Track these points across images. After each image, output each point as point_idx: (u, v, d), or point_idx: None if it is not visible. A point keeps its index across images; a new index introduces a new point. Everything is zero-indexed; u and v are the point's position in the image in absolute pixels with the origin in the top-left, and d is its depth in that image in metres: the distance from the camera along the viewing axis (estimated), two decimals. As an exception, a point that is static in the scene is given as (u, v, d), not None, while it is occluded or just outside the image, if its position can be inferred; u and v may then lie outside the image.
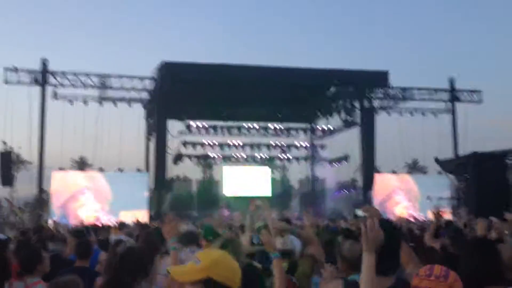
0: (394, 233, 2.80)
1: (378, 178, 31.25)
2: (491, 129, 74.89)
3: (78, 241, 5.47)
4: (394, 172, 33.42)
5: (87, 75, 28.93)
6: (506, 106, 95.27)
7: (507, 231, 5.42)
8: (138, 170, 30.32)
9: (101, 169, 29.55)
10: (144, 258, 3.07)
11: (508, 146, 18.51)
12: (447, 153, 31.35)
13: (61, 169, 29.25)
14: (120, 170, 29.53)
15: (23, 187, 31.43)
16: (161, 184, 29.16)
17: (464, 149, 29.75)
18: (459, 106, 33.87)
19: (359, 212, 4.07)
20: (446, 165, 19.69)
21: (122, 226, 11.12)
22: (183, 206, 33.97)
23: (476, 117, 33.08)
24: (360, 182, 33.66)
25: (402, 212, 30.42)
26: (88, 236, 6.52)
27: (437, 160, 19.21)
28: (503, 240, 4.83)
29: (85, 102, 29.64)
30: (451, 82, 34.05)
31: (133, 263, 3.05)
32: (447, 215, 23.56)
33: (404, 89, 32.83)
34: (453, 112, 33.86)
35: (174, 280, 2.03)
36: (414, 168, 45.02)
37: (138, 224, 11.93)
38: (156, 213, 28.20)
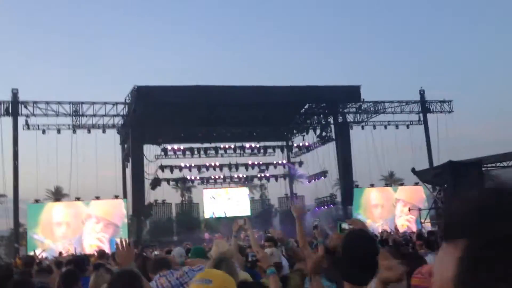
0: (373, 244, 2.94)
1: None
2: (463, 137, 76.23)
3: (62, 272, 5.36)
4: (372, 185, 33.75)
5: (59, 103, 28.63)
6: (477, 114, 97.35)
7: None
8: (116, 197, 29.93)
9: (77, 199, 29.11)
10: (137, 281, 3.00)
11: (482, 153, 18.91)
12: (423, 163, 31.83)
13: (36, 201, 28.71)
14: (97, 198, 29.15)
15: (-2, 221, 30.73)
16: (140, 210, 28.82)
17: (439, 159, 30.31)
18: (430, 116, 34.56)
19: (345, 225, 4.14)
20: (423, 176, 19.94)
21: (102, 254, 10.90)
22: (163, 231, 33.52)
23: (448, 127, 33.58)
24: (339, 197, 33.88)
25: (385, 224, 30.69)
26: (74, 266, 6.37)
27: (413, 171, 19.45)
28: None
29: (58, 130, 29.24)
30: (421, 93, 34.76)
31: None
32: (429, 225, 23.88)
33: (376, 103, 33.37)
34: (424, 122, 34.49)
35: None
36: (390, 180, 45.44)
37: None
38: (136, 240, 27.80)
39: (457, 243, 0.69)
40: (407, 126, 34.54)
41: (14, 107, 27.83)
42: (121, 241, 3.43)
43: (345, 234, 3.35)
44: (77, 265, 6.13)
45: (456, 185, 15.06)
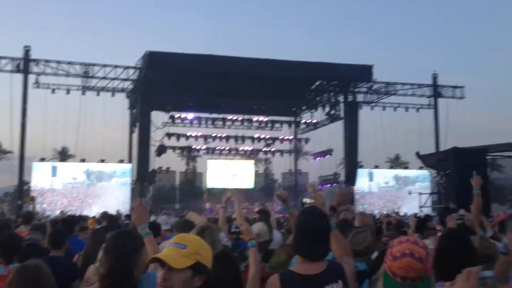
0: (323, 219, 2.97)
1: None
2: (473, 124, 75.75)
3: (51, 231, 5.43)
4: (376, 167, 33.71)
5: (70, 63, 28.58)
6: (488, 102, 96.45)
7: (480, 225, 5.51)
8: (121, 161, 30.14)
9: (83, 160, 29.35)
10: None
11: (489, 141, 18.76)
12: (429, 148, 31.70)
13: (42, 159, 28.98)
14: (102, 161, 29.37)
15: (3, 177, 31.15)
16: (144, 176, 28.99)
17: (446, 145, 30.14)
18: (441, 101, 34.22)
19: (306, 200, 4.21)
20: (427, 160, 19.84)
21: (103, 216, 11.00)
22: (166, 198, 33.84)
23: (458, 113, 33.28)
24: (342, 176, 33.90)
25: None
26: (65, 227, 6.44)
27: (418, 155, 19.34)
28: (475, 232, 4.93)
29: (67, 91, 29.25)
30: (434, 78, 34.35)
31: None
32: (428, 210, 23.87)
33: (387, 84, 33.04)
34: (435, 107, 34.17)
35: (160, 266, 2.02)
36: (396, 163, 45.36)
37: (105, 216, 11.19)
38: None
39: None
40: (417, 110, 34.24)
41: (25, 65, 27.83)
42: (138, 201, 3.51)
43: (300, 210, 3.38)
44: (65, 225, 6.19)
45: (458, 171, 14.99)
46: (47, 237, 5.36)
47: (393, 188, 32.71)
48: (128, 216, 13.34)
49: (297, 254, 2.97)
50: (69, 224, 6.62)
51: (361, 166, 32.62)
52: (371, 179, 32.30)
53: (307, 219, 2.96)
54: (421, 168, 30.46)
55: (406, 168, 36.01)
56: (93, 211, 24.47)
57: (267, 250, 4.81)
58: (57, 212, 21.53)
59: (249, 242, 3.57)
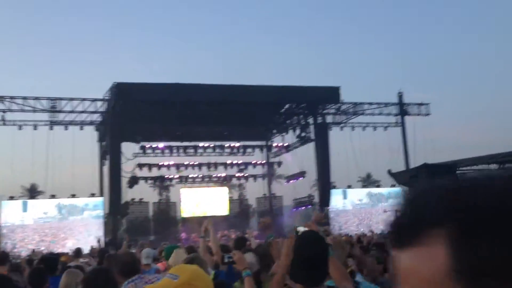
0: (321, 245, 2.98)
1: None
2: (440, 140, 77.27)
3: (30, 270, 5.29)
4: (349, 186, 33.98)
5: (37, 98, 28.21)
6: (453, 117, 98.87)
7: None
8: (92, 195, 29.61)
9: (53, 196, 28.73)
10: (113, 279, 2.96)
11: (457, 156, 19.23)
12: (399, 166, 32.18)
13: (11, 197, 28.26)
14: (73, 196, 28.81)
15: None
16: (117, 209, 28.54)
17: (415, 161, 30.65)
18: (408, 119, 34.91)
19: (300, 228, 4.20)
20: (399, 178, 20.15)
21: (78, 253, 10.79)
22: (140, 230, 33.27)
23: (425, 129, 33.98)
24: (316, 198, 34.03)
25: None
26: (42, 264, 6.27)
27: (390, 173, 19.63)
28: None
29: (35, 126, 28.81)
30: (400, 96, 35.10)
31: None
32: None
33: (355, 104, 33.59)
34: (402, 125, 34.82)
35: None
36: (368, 181, 45.82)
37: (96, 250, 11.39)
38: (111, 239, 27.55)
39: (434, 234, 0.60)
40: (385, 128, 34.83)
41: (-11, 102, 27.33)
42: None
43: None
44: (47, 264, 6.01)
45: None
46: (26, 278, 5.22)
47: (367, 205, 32.95)
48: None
49: (293, 280, 2.95)
50: (52, 262, 6.37)
51: (334, 187, 32.84)
52: (345, 197, 32.51)
53: (304, 244, 2.97)
54: (393, 186, 30.86)
55: (378, 186, 36.39)
56: (66, 246, 23.90)
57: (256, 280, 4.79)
58: (29, 249, 21.01)
59: (243, 272, 3.56)
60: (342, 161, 34.60)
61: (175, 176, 36.54)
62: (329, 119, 33.48)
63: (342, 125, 34.01)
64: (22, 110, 28.07)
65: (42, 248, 19.94)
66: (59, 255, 10.45)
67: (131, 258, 3.92)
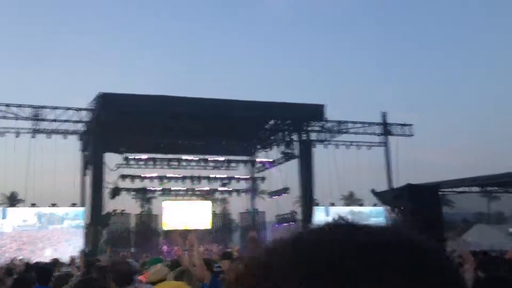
0: None
1: None
2: (423, 161, 78.18)
3: (14, 279, 5.20)
4: (332, 204, 34.07)
5: (20, 106, 27.93)
6: (436, 138, 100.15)
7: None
8: (73, 204, 29.27)
9: (33, 205, 28.34)
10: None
11: (440, 177, 19.46)
12: (382, 185, 32.41)
13: (-11, 205, 27.82)
14: (54, 205, 28.46)
15: None
16: (98, 219, 28.23)
17: (398, 181, 30.90)
18: (391, 139, 35.24)
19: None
20: (382, 197, 20.27)
21: (56, 263, 10.63)
22: (121, 242, 32.88)
23: (408, 150, 34.33)
24: (299, 215, 34.05)
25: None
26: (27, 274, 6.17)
27: (374, 192, 19.74)
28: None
29: (17, 134, 28.48)
30: (383, 116, 35.46)
31: None
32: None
33: (339, 123, 33.85)
34: (386, 145, 35.14)
35: None
36: (350, 199, 46.03)
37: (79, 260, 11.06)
38: (92, 250, 27.18)
39: None
40: (369, 148, 35.14)
41: (-28, 108, 26.99)
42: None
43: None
44: (40, 275, 5.73)
45: (413, 208, 15.36)
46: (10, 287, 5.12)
47: (349, 224, 33.05)
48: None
49: None
50: (45, 273, 5.97)
51: (317, 204, 32.92)
52: (327, 214, 32.58)
53: None
54: (375, 205, 31.03)
55: (361, 205, 36.59)
56: (44, 255, 23.53)
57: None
58: (6, 257, 20.63)
59: None
60: (325, 178, 34.75)
61: (158, 188, 36.30)
62: (313, 136, 33.68)
63: (326, 142, 34.21)
64: (5, 117, 27.76)
65: (20, 257, 19.56)
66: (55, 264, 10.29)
67: (127, 268, 3.90)
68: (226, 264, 3.74)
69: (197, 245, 5.26)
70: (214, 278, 4.84)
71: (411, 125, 35.80)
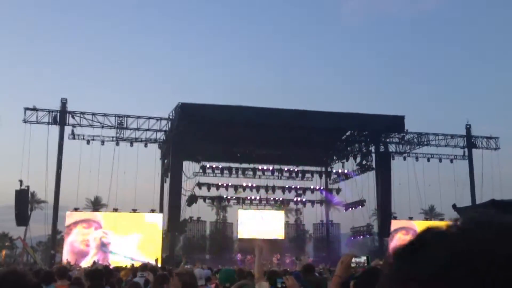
0: None
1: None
2: (509, 176, 73.78)
3: (90, 284, 5.37)
4: (410, 218, 32.92)
5: (105, 115, 29.30)
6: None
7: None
8: (152, 210, 30.24)
9: (115, 210, 29.57)
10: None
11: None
12: (465, 200, 30.89)
13: (75, 209, 29.33)
14: (134, 210, 29.54)
15: (37, 226, 31.43)
16: (175, 226, 28.96)
17: (482, 196, 29.32)
18: (476, 152, 33.58)
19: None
20: (464, 213, 19.23)
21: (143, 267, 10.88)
22: (196, 249, 33.55)
23: (493, 164, 32.54)
24: (375, 228, 33.17)
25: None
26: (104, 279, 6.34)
27: (454, 207, 18.74)
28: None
29: (102, 142, 29.95)
30: (468, 128, 33.88)
31: None
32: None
33: (419, 134, 32.72)
34: (469, 158, 33.52)
35: None
36: (430, 214, 44.25)
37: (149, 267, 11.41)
38: (168, 256, 27.95)
39: None
40: (451, 161, 33.69)
41: (62, 117, 28.62)
42: None
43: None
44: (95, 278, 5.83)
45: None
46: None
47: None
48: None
49: None
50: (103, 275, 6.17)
51: (395, 217, 31.92)
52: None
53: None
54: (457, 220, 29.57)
55: (441, 220, 35.05)
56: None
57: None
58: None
59: None
60: (404, 191, 33.66)
61: (233, 197, 36.74)
62: (392, 148, 32.77)
63: (405, 154, 33.18)
64: (91, 125, 29.23)
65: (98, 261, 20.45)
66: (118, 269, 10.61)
67: (189, 278, 3.89)
68: (290, 280, 3.57)
69: (260, 254, 5.12)
70: None
71: (497, 138, 33.95)
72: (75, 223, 28.19)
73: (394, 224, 31.24)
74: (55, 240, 29.43)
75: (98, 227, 28.42)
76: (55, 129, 28.71)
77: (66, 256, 26.74)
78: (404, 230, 31.70)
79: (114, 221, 28.89)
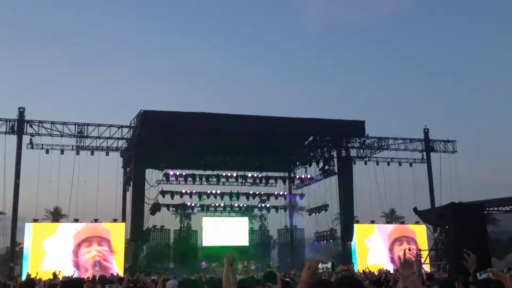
0: None
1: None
2: (466, 178, 76.03)
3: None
4: (372, 222, 33.48)
5: (65, 123, 28.73)
6: (480, 155, 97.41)
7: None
8: (115, 220, 29.76)
9: (76, 220, 28.97)
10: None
11: (484, 195, 18.83)
12: (424, 202, 31.70)
13: (35, 220, 28.59)
14: (96, 220, 29.02)
15: (-6, 238, 30.41)
16: (138, 235, 28.56)
17: (441, 198, 30.13)
18: (434, 155, 34.48)
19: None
20: (425, 216, 19.72)
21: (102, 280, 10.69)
22: (160, 258, 33.15)
23: (451, 167, 33.47)
24: (339, 232, 33.57)
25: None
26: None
27: (415, 210, 19.21)
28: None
29: (62, 151, 29.34)
30: (426, 132, 34.77)
31: None
32: (427, 267, 23.51)
33: (380, 139, 33.37)
34: (428, 161, 34.40)
35: None
36: (391, 217, 45.06)
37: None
38: (131, 266, 27.55)
39: None
40: (410, 164, 34.52)
41: (19, 126, 27.95)
42: None
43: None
44: None
45: (458, 227, 14.88)
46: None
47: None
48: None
49: None
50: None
51: (357, 221, 32.40)
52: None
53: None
54: (417, 222, 30.30)
55: (402, 222, 35.79)
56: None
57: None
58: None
59: None
60: (365, 195, 34.21)
61: (197, 204, 36.50)
62: (353, 152, 33.30)
63: (366, 159, 33.79)
64: (50, 134, 28.59)
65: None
66: (82, 280, 10.43)
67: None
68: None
69: (228, 264, 5.13)
70: None
71: (454, 141, 35.00)
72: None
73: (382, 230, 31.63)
74: (14, 253, 28.56)
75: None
76: (13, 138, 28.04)
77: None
78: (405, 239, 32.38)
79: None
